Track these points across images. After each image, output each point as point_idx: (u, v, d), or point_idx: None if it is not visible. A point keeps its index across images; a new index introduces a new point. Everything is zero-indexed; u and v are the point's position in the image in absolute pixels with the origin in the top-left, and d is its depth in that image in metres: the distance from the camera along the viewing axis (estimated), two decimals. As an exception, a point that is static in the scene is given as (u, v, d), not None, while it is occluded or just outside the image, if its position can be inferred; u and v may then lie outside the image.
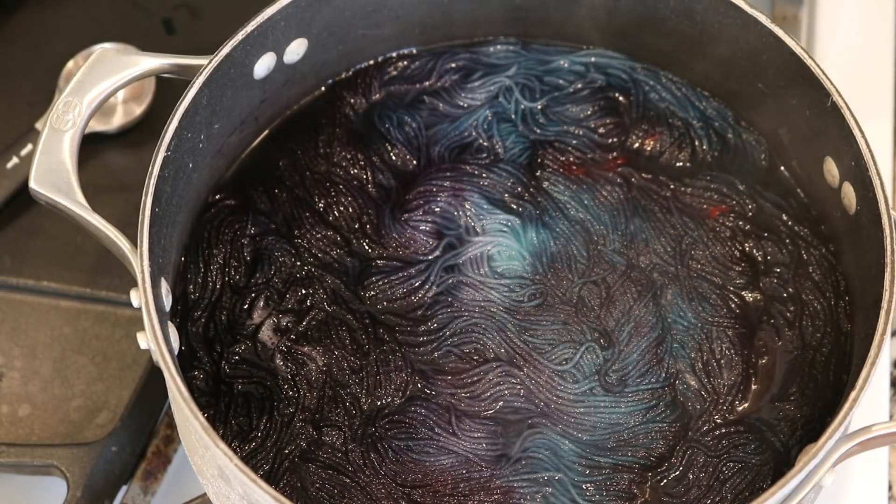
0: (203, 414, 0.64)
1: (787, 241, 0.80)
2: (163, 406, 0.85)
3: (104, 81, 0.73)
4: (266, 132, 0.83)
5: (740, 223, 0.80)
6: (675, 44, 0.83)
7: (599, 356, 0.76)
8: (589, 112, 0.84)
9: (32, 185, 0.71)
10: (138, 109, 0.90)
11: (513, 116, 0.84)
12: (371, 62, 0.85)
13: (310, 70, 0.82)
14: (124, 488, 0.83)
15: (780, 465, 0.73)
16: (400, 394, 0.74)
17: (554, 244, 0.79)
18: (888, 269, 0.69)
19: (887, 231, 0.70)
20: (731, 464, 0.73)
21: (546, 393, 0.74)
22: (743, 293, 0.78)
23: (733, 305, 0.78)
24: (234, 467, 0.62)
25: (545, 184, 0.81)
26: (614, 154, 0.83)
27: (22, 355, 0.84)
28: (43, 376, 0.83)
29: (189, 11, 0.96)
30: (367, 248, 0.79)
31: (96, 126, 0.89)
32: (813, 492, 0.66)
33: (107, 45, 0.90)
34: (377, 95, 0.84)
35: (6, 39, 0.95)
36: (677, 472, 0.73)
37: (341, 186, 0.81)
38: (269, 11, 0.76)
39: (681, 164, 0.83)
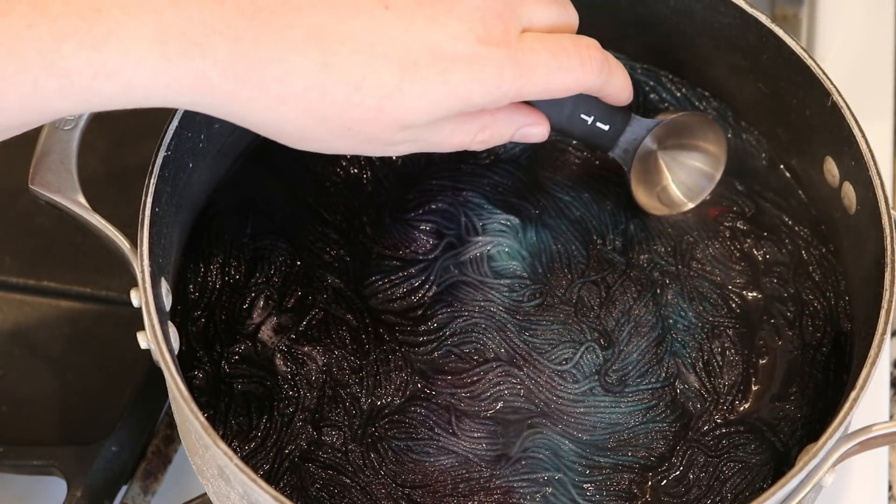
0: (203, 414, 0.64)
1: (787, 241, 0.80)
2: (163, 406, 0.85)
3: (104, 81, 0.73)
4: (266, 132, 0.83)
5: (740, 223, 0.80)
6: (675, 44, 0.83)
7: (599, 356, 0.76)
8: (589, 112, 0.84)
9: (32, 185, 0.71)
10: None
11: (513, 116, 0.84)
12: (371, 62, 0.85)
13: (310, 70, 0.82)
14: (124, 488, 0.83)
15: (781, 465, 0.73)
16: (400, 394, 0.74)
17: (554, 244, 0.79)
18: (888, 269, 0.69)
19: (887, 231, 0.70)
20: (732, 464, 0.73)
21: (546, 393, 0.74)
22: (743, 293, 0.78)
23: (734, 305, 0.78)
24: (234, 467, 0.62)
25: (545, 183, 0.81)
26: (614, 154, 0.83)
27: (22, 355, 0.84)
28: (43, 376, 0.83)
29: (189, 11, 0.95)
30: (366, 247, 0.79)
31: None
32: (813, 492, 0.66)
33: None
34: (377, 95, 0.84)
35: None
36: (677, 472, 0.73)
37: (341, 186, 0.81)
38: (270, 11, 0.75)
39: (681, 164, 0.83)
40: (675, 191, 0.80)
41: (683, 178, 0.79)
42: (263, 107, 0.60)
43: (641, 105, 0.84)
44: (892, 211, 0.71)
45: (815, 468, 0.65)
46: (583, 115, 0.72)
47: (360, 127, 0.61)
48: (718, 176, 0.80)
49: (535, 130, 0.69)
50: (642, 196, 0.78)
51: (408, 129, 0.62)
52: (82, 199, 0.70)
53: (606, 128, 0.73)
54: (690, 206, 0.80)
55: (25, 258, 0.87)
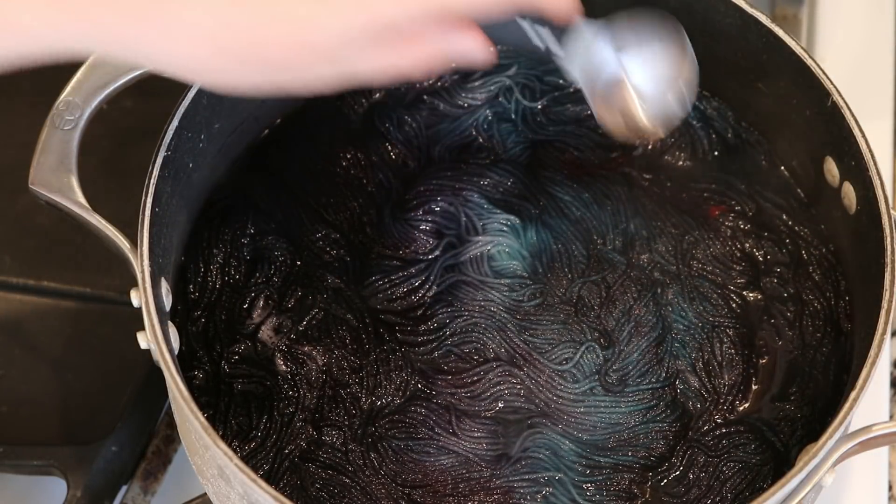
0: (203, 414, 0.64)
1: (787, 241, 0.80)
2: (163, 406, 0.85)
3: (104, 81, 0.73)
4: (266, 132, 0.83)
5: (740, 223, 0.80)
6: (675, 44, 0.83)
7: (599, 356, 0.76)
8: (589, 112, 0.84)
9: (32, 185, 0.71)
10: None
11: (513, 116, 0.84)
12: (371, 62, 0.85)
13: (310, 70, 0.82)
14: (124, 488, 0.83)
15: (781, 465, 0.73)
16: (400, 393, 0.74)
17: (554, 244, 0.79)
18: (888, 269, 0.69)
19: (887, 231, 0.70)
20: (732, 464, 0.73)
21: (546, 393, 0.74)
22: (744, 293, 0.78)
23: (734, 305, 0.78)
24: (234, 467, 0.62)
25: (545, 183, 0.81)
26: (615, 154, 0.83)
27: (22, 355, 0.84)
28: (43, 376, 0.83)
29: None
30: (367, 247, 0.79)
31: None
32: (813, 492, 0.66)
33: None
34: (377, 95, 0.84)
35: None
36: (678, 472, 0.73)
37: (341, 186, 0.81)
38: (270, 11, 0.75)
39: (681, 163, 0.83)
40: (642, 114, 0.70)
41: (650, 101, 0.70)
42: (170, 47, 0.58)
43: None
44: (892, 211, 0.71)
45: (815, 468, 0.65)
46: (529, 33, 0.67)
47: (274, 56, 0.59)
48: (687, 92, 0.70)
49: (476, 53, 0.64)
50: (609, 120, 0.71)
51: (324, 55, 0.59)
52: (82, 199, 0.70)
53: (556, 46, 0.68)
54: (660, 131, 0.71)
55: (25, 258, 0.87)
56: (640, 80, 0.69)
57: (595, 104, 0.69)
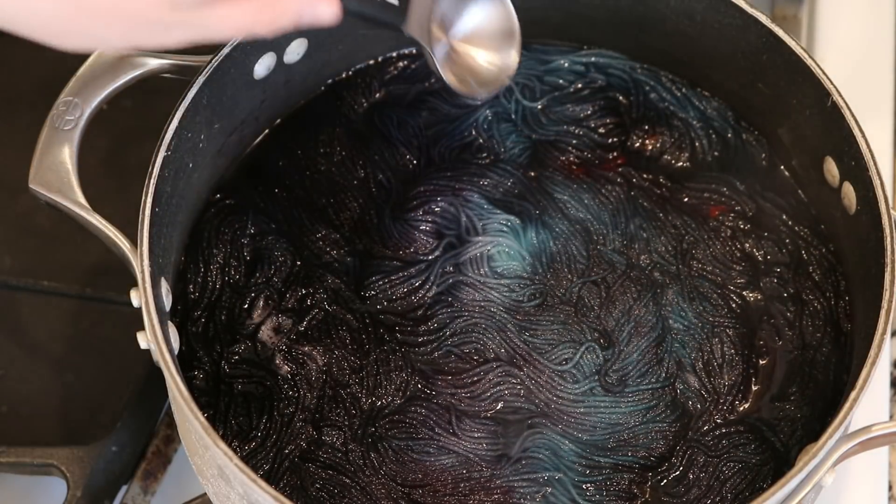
0: (203, 414, 0.64)
1: (787, 241, 0.80)
2: (163, 406, 0.85)
3: (104, 81, 0.73)
4: (266, 132, 0.83)
5: (740, 223, 0.80)
6: (675, 44, 0.83)
7: (599, 356, 0.76)
8: (589, 112, 0.84)
9: (32, 185, 0.71)
10: None
11: (513, 116, 0.84)
12: (371, 62, 0.85)
13: (310, 70, 0.82)
14: (124, 488, 0.83)
15: (780, 465, 0.73)
16: (400, 394, 0.74)
17: (554, 244, 0.79)
18: (888, 269, 0.69)
19: (887, 231, 0.70)
20: (732, 464, 0.73)
21: (546, 393, 0.74)
22: (743, 293, 0.78)
23: (734, 305, 0.78)
24: (234, 467, 0.62)
25: (545, 183, 0.81)
26: (614, 154, 0.83)
27: (22, 355, 0.84)
28: (43, 376, 0.83)
29: (189, 11, 0.95)
30: (367, 247, 0.79)
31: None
32: (813, 492, 0.66)
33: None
34: (377, 95, 0.84)
35: (6, 39, 0.95)
36: (677, 472, 0.73)
37: (341, 186, 0.81)
38: (270, 11, 0.75)
39: (681, 164, 0.83)
40: (484, 68, 0.76)
41: (487, 54, 0.76)
42: (34, 4, 0.58)
43: (642, 104, 0.84)
44: (892, 211, 0.71)
45: (815, 468, 0.65)
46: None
47: (126, 7, 0.58)
48: (516, 43, 0.76)
49: (323, 10, 0.64)
50: (452, 78, 0.75)
51: (177, 10, 0.59)
52: (82, 199, 0.70)
53: (396, 1, 0.70)
54: (502, 82, 0.77)
55: (25, 258, 0.87)
56: (473, 37, 0.75)
57: (438, 63, 0.74)
